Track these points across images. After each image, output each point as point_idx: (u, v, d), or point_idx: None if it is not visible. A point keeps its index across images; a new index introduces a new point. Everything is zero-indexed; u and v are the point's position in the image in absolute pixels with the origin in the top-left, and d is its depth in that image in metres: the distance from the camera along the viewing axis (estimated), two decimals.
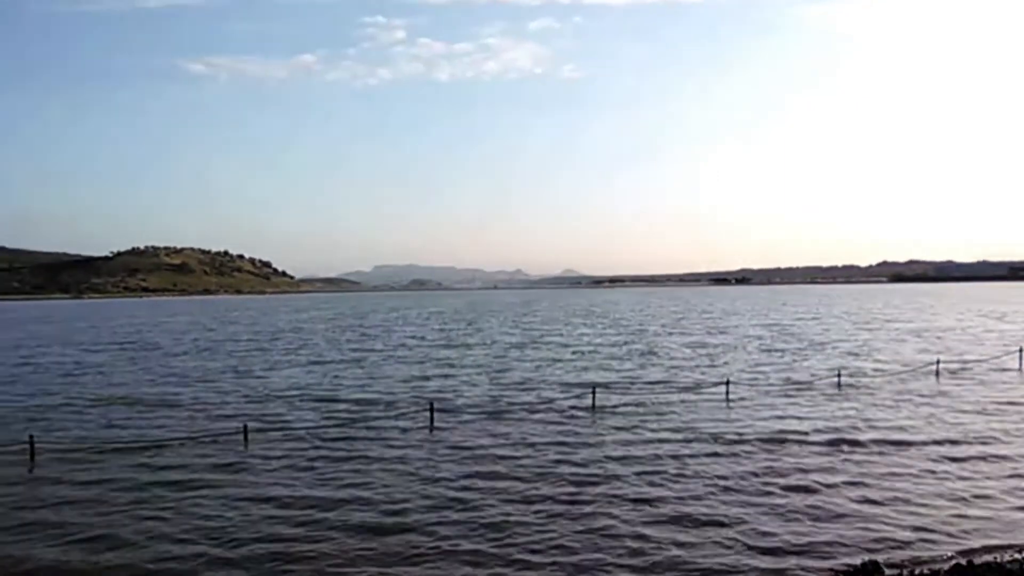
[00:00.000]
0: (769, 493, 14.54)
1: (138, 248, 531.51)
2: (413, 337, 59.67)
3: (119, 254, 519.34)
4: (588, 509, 13.73)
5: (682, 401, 25.20)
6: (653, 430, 20.42)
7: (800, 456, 17.42)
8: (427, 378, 32.45)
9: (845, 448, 18.18)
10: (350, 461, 17.70)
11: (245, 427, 20.70)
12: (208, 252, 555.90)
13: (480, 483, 15.53)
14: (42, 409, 25.98)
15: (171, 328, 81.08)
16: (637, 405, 24.47)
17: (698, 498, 14.26)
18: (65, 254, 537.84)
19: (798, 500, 14.06)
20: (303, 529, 13.00)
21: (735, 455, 17.52)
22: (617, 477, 15.76)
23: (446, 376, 33.11)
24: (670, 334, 57.47)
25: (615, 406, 24.31)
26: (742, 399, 25.31)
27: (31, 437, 19.34)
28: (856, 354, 39.70)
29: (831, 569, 10.99)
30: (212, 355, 46.35)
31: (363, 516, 13.62)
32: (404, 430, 21.16)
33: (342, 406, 25.52)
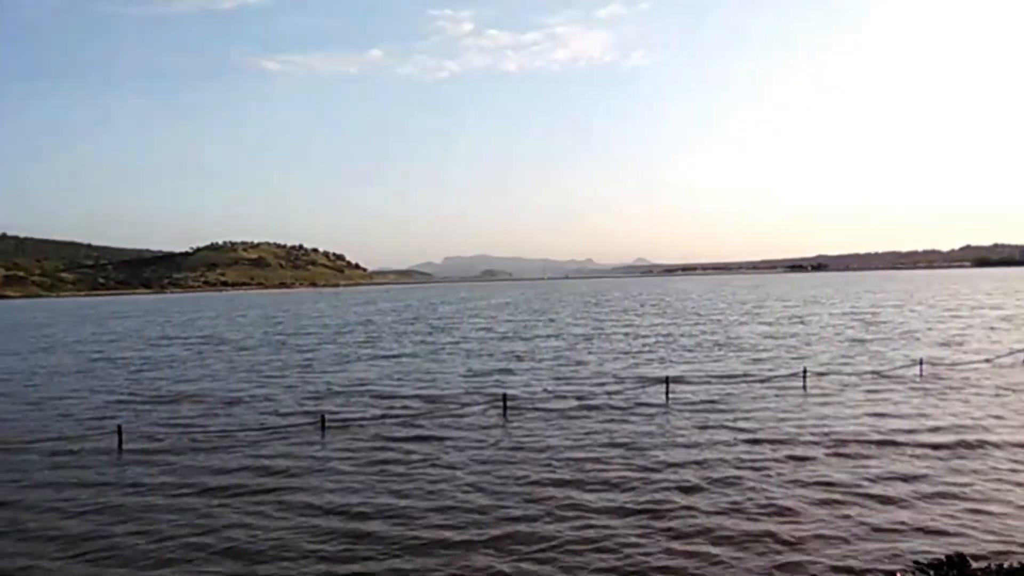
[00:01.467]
0: (855, 494, 13.61)
1: (217, 243, 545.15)
2: (482, 329, 59.40)
3: (199, 250, 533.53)
4: (673, 523, 12.47)
5: (760, 395, 24.12)
6: (731, 428, 19.39)
7: (889, 458, 16.27)
8: (496, 372, 31.98)
9: (933, 447, 16.93)
10: (424, 456, 17.33)
11: (323, 417, 21.24)
12: (284, 246, 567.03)
13: (554, 491, 14.32)
14: (113, 403, 26.31)
15: (244, 322, 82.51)
16: (713, 401, 23.38)
17: (780, 513, 13.24)
18: (148, 251, 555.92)
19: (882, 506, 13.07)
20: (383, 524, 12.68)
21: (812, 457, 16.37)
22: (699, 487, 14.38)
23: (516, 369, 32.56)
24: (745, 324, 55.92)
25: (690, 402, 23.38)
26: (824, 393, 24.18)
27: (119, 427, 19.98)
28: (945, 343, 37.89)
29: (915, 561, 10.26)
30: (281, 350, 46.73)
31: (440, 510, 13.21)
32: (476, 426, 20.64)
33: (411, 400, 25.16)
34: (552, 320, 68.01)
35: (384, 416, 22.36)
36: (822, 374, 27.96)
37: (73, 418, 23.95)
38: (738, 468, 15.54)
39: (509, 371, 32.00)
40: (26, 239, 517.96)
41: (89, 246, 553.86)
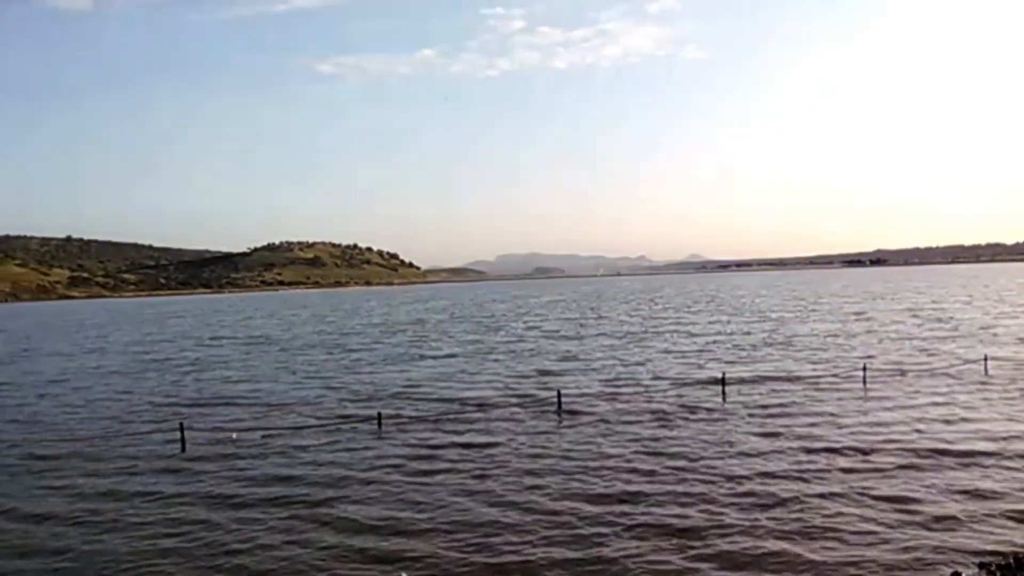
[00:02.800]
0: (919, 506, 13.00)
1: (273, 243, 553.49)
2: (533, 328, 59.04)
3: (256, 250, 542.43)
4: (734, 547, 11.55)
5: (819, 398, 23.19)
6: (790, 435, 18.36)
7: (956, 467, 15.48)
8: (548, 373, 31.43)
9: (1000, 456, 15.97)
10: (475, 466, 16.92)
11: (379, 415, 21.66)
12: (339, 245, 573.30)
13: (613, 508, 13.54)
14: (159, 405, 26.55)
15: (296, 322, 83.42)
16: (771, 404, 22.37)
17: (843, 533, 12.77)
18: (207, 251, 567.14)
19: (942, 521, 12.44)
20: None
21: (877, 467, 15.47)
22: (761, 503, 13.43)
23: (568, 370, 32.01)
24: (802, 321, 54.68)
25: (747, 405, 22.52)
26: (885, 395, 23.23)
27: (181, 424, 20.54)
28: (1015, 340, 36.52)
29: (980, 564, 10.09)
30: (330, 349, 47.00)
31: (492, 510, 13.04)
32: (529, 431, 20.14)
33: (459, 403, 24.76)
34: (605, 318, 67.41)
35: (435, 419, 22.18)
36: (885, 373, 27.09)
37: (119, 419, 24.34)
38: (801, 481, 14.59)
39: (560, 372, 31.48)
40: (90, 241, 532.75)
41: (151, 247, 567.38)
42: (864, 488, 14.04)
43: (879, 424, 19.33)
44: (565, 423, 20.97)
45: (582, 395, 25.10)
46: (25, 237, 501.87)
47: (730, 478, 15.03)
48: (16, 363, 45.79)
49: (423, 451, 18.36)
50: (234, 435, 20.73)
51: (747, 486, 14.47)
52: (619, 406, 23.12)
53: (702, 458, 16.60)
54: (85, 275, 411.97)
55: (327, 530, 13.04)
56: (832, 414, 20.72)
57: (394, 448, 18.80)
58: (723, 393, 23.94)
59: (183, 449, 19.45)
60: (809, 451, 16.90)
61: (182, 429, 20.24)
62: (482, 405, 24.12)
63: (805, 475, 15.02)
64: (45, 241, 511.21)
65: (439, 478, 16.02)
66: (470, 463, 17.02)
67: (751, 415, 20.98)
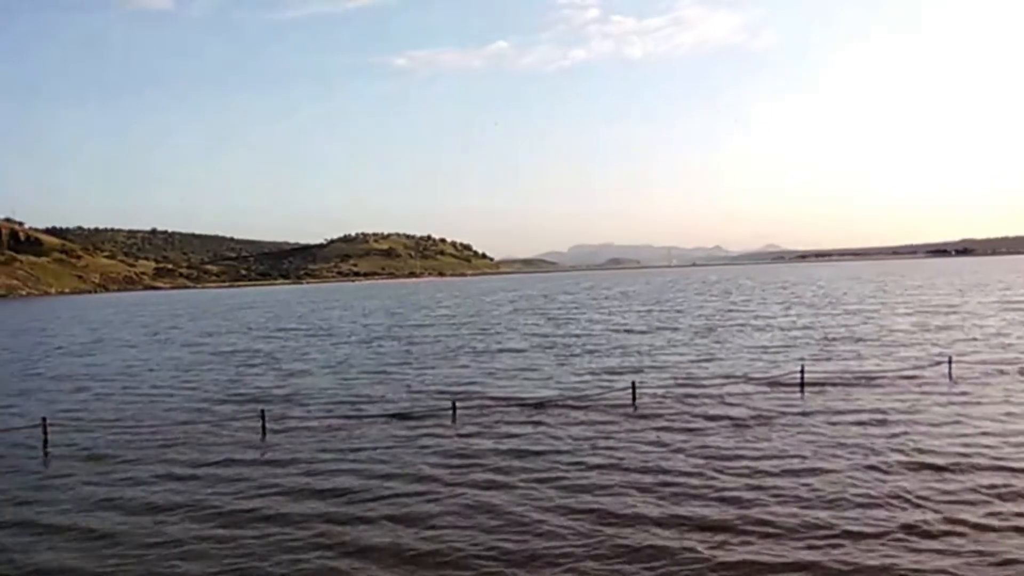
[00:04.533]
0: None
1: (349, 235, 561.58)
2: (601, 321, 58.48)
3: (332, 241, 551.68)
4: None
5: (907, 400, 21.87)
6: (877, 447, 16.76)
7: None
8: (615, 370, 30.68)
9: None
10: (545, 477, 16.57)
11: (454, 404, 22.17)
12: (413, 237, 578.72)
13: (688, 537, 12.25)
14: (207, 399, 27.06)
15: (364, 312, 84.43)
16: (856, 410, 20.84)
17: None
18: (286, 243, 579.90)
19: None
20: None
21: (958, 480, 14.45)
22: (853, 530, 12.14)
23: (637, 367, 31.25)
24: (885, 314, 52.94)
25: (829, 409, 21.22)
26: (981, 399, 21.96)
27: (262, 411, 21.55)
28: None
29: None
30: (396, 341, 47.30)
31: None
32: (598, 434, 19.47)
33: (523, 402, 24.09)
34: (678, 311, 66.35)
35: (497, 420, 21.90)
36: (981, 372, 25.87)
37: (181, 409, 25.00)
38: (896, 507, 13.01)
39: (628, 369, 30.51)
40: (174, 233, 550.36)
41: (232, 239, 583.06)
42: (963, 515, 12.56)
43: (976, 433, 17.94)
44: (637, 426, 20.28)
45: (654, 395, 24.15)
46: (113, 230, 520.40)
47: (823, 503, 13.36)
48: (93, 354, 47.45)
49: (493, 458, 17.44)
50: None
51: (833, 513, 12.87)
52: (691, 407, 22.25)
53: (783, 472, 15.28)
54: (170, 266, 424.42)
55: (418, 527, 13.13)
56: (921, 420, 19.38)
57: (456, 454, 18.59)
58: (802, 393, 23.24)
59: (263, 431, 20.46)
60: (901, 465, 15.44)
61: (263, 416, 21.19)
62: (543, 406, 23.29)
63: (898, 499, 13.43)
64: (132, 234, 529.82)
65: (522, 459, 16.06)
66: (533, 480, 15.99)
67: (833, 421, 19.68)
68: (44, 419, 21.48)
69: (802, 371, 24.82)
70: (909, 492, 13.68)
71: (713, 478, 15.07)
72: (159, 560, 11.99)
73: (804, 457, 16.38)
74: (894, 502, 13.22)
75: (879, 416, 20.05)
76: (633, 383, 23.91)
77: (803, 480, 14.71)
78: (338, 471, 16.68)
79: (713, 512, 13.15)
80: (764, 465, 15.85)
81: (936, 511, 12.73)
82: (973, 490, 13.82)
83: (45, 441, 20.58)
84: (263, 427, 20.96)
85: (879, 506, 13.07)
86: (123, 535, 13.18)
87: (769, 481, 14.79)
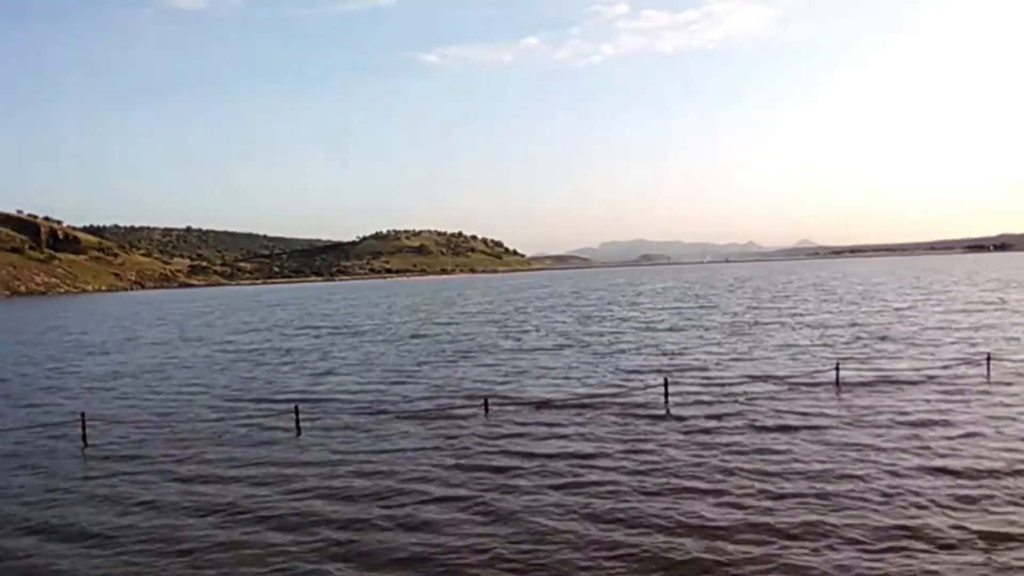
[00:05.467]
0: None
1: (381, 232, 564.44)
2: (628, 319, 58.14)
3: (364, 238, 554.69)
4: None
5: (947, 404, 20.98)
6: (921, 455, 16.03)
7: None
8: (644, 371, 30.36)
9: None
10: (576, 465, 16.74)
11: (486, 401, 22.37)
12: (444, 234, 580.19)
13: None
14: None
15: (389, 310, 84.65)
16: (897, 413, 19.99)
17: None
18: (318, 240, 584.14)
19: None
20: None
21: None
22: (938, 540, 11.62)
23: (666, 368, 30.64)
24: (921, 311, 52.00)
25: (868, 406, 20.87)
26: (1017, 403, 21.16)
27: (296, 406, 22.01)
28: None
29: None
30: (420, 341, 47.34)
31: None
32: (634, 437, 19.05)
33: (553, 404, 23.86)
34: (709, 307, 65.68)
35: (528, 420, 21.82)
36: (1016, 374, 25.14)
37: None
38: (944, 514, 12.52)
39: (660, 368, 29.97)
40: (208, 231, 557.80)
41: (265, 237, 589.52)
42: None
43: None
44: (669, 426, 19.94)
45: (684, 398, 23.49)
46: (148, 228, 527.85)
47: (873, 509, 12.90)
48: (125, 351, 48.08)
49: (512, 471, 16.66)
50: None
51: (894, 518, 12.42)
52: (723, 409, 21.53)
53: (828, 481, 14.44)
54: (204, 264, 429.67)
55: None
56: (961, 425, 18.69)
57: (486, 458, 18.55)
58: (838, 391, 22.85)
59: (297, 426, 20.85)
60: (948, 473, 14.73)
61: (296, 411, 21.59)
62: (572, 407, 22.90)
63: (961, 517, 12.47)
64: (167, 232, 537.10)
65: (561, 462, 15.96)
66: (569, 473, 16.25)
67: (871, 423, 19.10)
68: (83, 414, 21.84)
69: (837, 370, 24.49)
70: (950, 499, 13.41)
71: (752, 481, 14.79)
72: (201, 563, 12.06)
73: (840, 462, 15.87)
74: (942, 510, 12.96)
75: (917, 418, 19.47)
76: (666, 379, 23.74)
77: (843, 486, 14.20)
78: (374, 472, 16.62)
79: (754, 516, 12.91)
80: (797, 467, 15.56)
81: (976, 521, 12.36)
82: (1014, 501, 13.16)
83: (84, 436, 20.91)
84: (297, 424, 21.22)
85: (927, 512, 12.76)
86: (160, 535, 13.34)
87: (803, 485, 14.49)
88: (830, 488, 14.09)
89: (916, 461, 15.64)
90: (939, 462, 15.53)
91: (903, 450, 16.55)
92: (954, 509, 12.77)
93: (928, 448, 16.64)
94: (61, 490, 16.35)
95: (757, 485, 14.54)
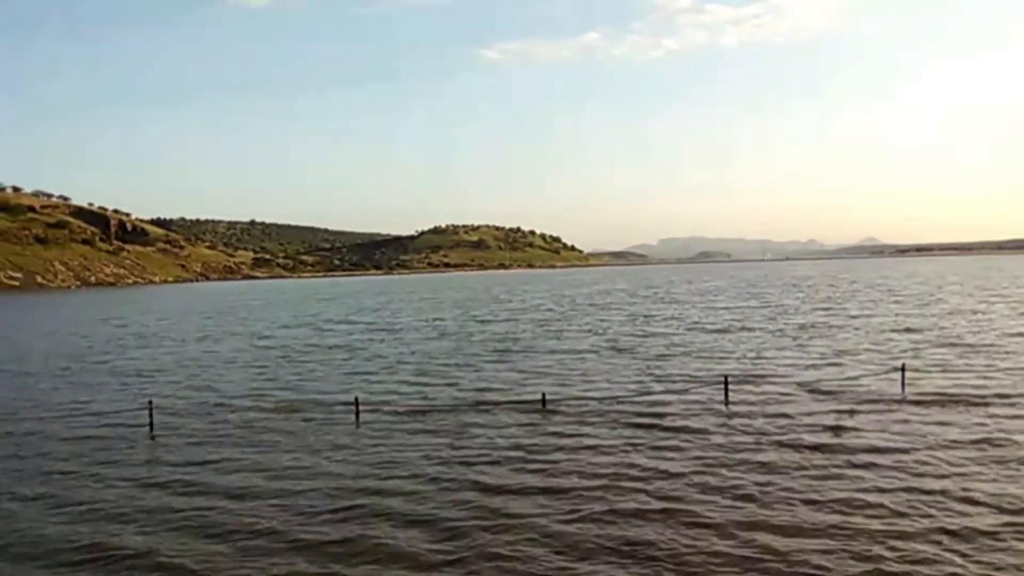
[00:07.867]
0: None
1: (440, 227, 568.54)
2: (683, 319, 57.34)
3: (423, 233, 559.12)
4: None
5: (1010, 418, 19.54)
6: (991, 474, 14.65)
7: None
8: (702, 374, 29.72)
9: None
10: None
11: (543, 398, 22.45)
12: (502, 229, 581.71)
13: None
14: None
15: (439, 306, 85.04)
16: (963, 430, 18.12)
17: None
18: (378, 234, 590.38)
19: None
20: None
21: None
22: None
23: (727, 370, 29.58)
24: (989, 315, 50.25)
25: (930, 424, 19.03)
26: None
27: (356, 399, 22.47)
28: None
29: None
30: (483, 335, 47.40)
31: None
32: (689, 446, 18.15)
33: (615, 397, 23.94)
34: (771, 308, 64.12)
35: (583, 422, 21.56)
36: None
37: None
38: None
39: (718, 373, 28.22)
40: (271, 225, 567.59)
41: (326, 231, 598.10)
42: None
43: None
44: (728, 442, 18.32)
45: (743, 400, 22.65)
46: (213, 221, 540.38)
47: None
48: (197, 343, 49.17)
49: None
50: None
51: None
52: (785, 420, 19.85)
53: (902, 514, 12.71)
54: (267, 257, 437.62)
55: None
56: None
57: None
58: (903, 388, 22.22)
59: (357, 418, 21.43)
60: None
61: (356, 403, 22.05)
62: (628, 407, 22.48)
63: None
64: (231, 225, 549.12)
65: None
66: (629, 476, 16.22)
67: (937, 443, 17.12)
68: (150, 402, 22.45)
69: (903, 379, 23.76)
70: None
71: (821, 499, 14.16)
72: (265, 552, 12.21)
73: (904, 481, 14.66)
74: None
75: (988, 436, 17.58)
76: (725, 378, 23.40)
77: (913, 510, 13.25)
78: (438, 476, 16.10)
79: (825, 545, 11.71)
80: (861, 484, 14.61)
81: None
82: None
83: (151, 424, 21.48)
84: (357, 415, 21.56)
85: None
86: (229, 523, 13.61)
87: (874, 505, 13.99)
88: (903, 501, 13.75)
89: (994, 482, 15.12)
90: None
91: (967, 473, 15.86)
92: None
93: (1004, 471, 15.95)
94: (137, 480, 16.68)
95: (820, 496, 14.15)
